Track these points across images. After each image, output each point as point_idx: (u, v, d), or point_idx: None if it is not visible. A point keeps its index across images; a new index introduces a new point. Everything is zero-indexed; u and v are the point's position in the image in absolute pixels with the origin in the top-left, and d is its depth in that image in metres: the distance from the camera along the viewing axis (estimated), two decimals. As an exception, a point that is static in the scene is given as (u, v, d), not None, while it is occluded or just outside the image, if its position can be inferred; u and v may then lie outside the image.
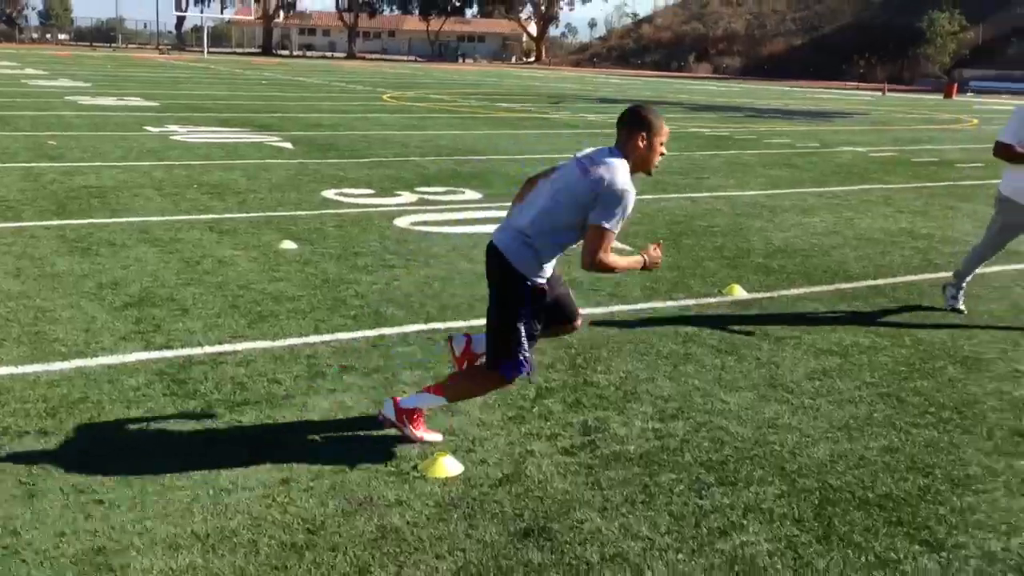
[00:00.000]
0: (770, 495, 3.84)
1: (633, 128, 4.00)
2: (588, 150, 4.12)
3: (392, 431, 4.23)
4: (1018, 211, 6.55)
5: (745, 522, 3.61)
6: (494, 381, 4.19)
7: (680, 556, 3.34)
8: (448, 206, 10.56)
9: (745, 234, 9.53)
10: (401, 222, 9.43)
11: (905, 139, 21.99)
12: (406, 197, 11.03)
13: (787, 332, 6.16)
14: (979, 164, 16.71)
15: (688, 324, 6.28)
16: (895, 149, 19.23)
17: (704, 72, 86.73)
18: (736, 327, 6.24)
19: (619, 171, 3.90)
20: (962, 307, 6.83)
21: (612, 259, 3.98)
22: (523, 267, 4.01)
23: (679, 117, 27.08)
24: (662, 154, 4.05)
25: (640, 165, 4.03)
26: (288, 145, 15.95)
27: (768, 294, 7.17)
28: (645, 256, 4.15)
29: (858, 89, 60.64)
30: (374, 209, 10.16)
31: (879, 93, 53.04)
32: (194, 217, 9.27)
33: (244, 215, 9.51)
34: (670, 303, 6.81)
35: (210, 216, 9.38)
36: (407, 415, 4.16)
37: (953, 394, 5.09)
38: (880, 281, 7.69)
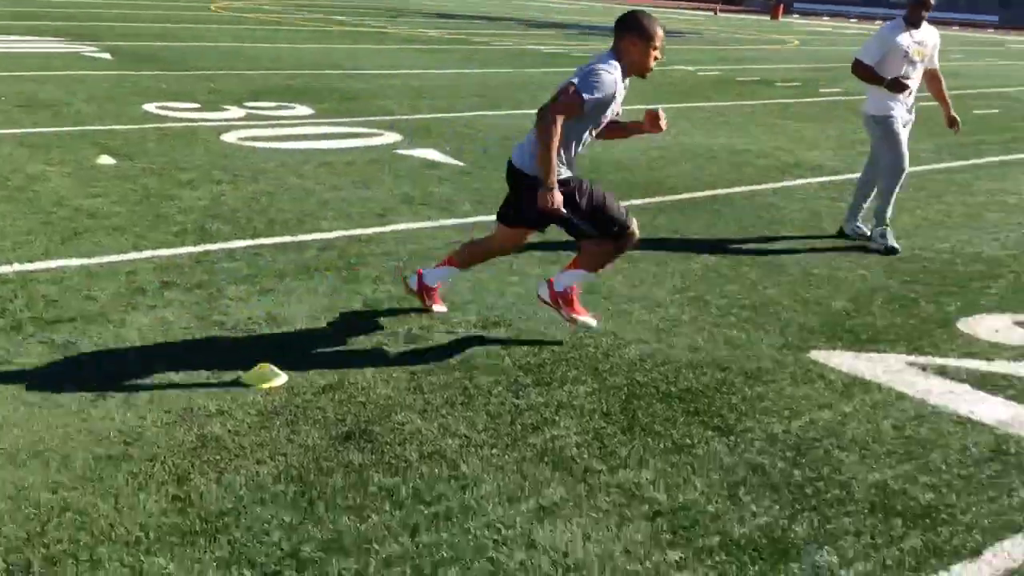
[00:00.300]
0: (582, 393, 4.08)
1: (625, 32, 4.27)
2: None
3: (226, 335, 4.23)
4: (893, 122, 6.55)
5: (557, 418, 3.84)
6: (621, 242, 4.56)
7: (494, 451, 3.54)
8: (278, 121, 10.31)
9: (575, 149, 9.76)
10: (228, 137, 9.16)
11: (731, 58, 22.79)
12: (234, 112, 10.69)
13: (608, 242, 6.43)
14: (796, 83, 17.55)
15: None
16: (720, 68, 19.93)
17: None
18: (561, 239, 6.46)
19: (602, 62, 4.23)
20: (896, 244, 6.57)
21: (555, 131, 4.12)
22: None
23: (517, 34, 27.09)
24: (656, 58, 4.31)
25: (633, 68, 4.30)
26: (106, 56, 15.07)
27: (593, 207, 7.42)
28: (550, 184, 4.22)
29: (692, 8, 61.99)
30: (199, 124, 9.81)
31: (712, 13, 54.43)
32: (2, 131, 8.72)
33: (57, 129, 9.02)
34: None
35: (20, 130, 8.85)
36: (561, 297, 4.53)
37: (753, 296, 5.49)
38: (697, 193, 8.08)
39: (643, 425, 3.83)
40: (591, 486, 3.34)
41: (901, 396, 4.24)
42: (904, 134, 6.65)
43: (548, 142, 4.13)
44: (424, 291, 4.80)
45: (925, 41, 6.63)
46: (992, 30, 49.18)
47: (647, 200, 7.74)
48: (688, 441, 3.71)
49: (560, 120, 4.12)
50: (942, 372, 4.54)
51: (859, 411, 4.07)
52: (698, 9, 61.25)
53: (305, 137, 9.45)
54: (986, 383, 4.43)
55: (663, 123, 4.45)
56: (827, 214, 7.55)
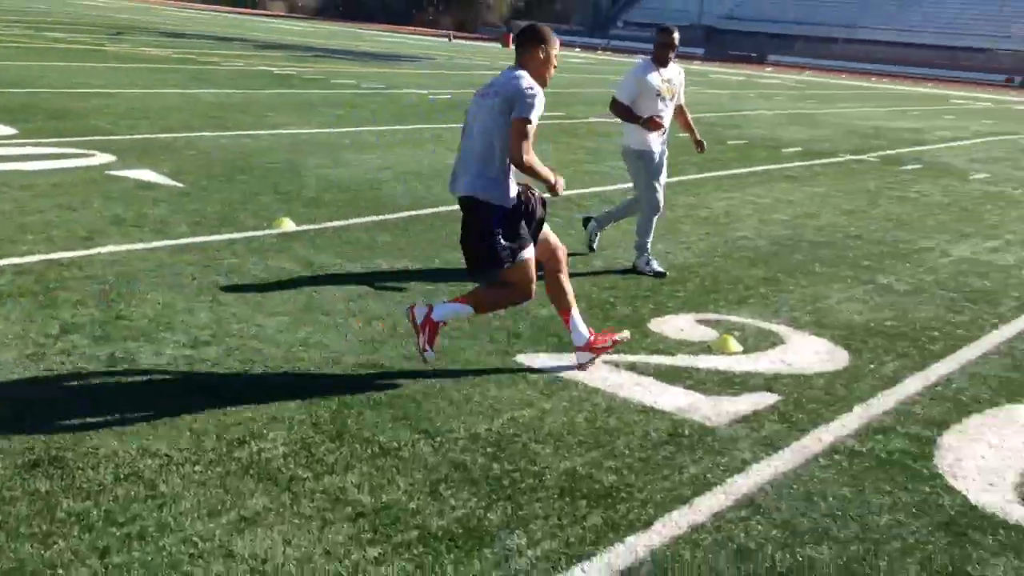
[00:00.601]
0: (292, 406, 4.11)
1: (531, 43, 4.51)
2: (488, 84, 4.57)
3: None
4: (651, 157, 6.90)
5: (266, 431, 3.85)
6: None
7: (197, 468, 3.49)
8: (-27, 141, 9.54)
9: (301, 170, 9.73)
10: (-88, 158, 8.37)
11: (464, 83, 23.48)
12: (-79, 131, 9.77)
13: (330, 260, 6.48)
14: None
15: (234, 256, 6.37)
16: (452, 92, 20.50)
17: (278, 11, 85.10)
18: (282, 257, 6.45)
19: (524, 77, 4.45)
20: (661, 268, 6.92)
21: (533, 158, 4.43)
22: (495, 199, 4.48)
23: (247, 55, 26.52)
24: (555, 66, 4.58)
25: (536, 76, 4.50)
26: None
27: (315, 226, 7.45)
28: (556, 177, 4.57)
29: (428, 35, 63.28)
30: None
31: (446, 39, 55.81)
32: None
33: None
34: (216, 237, 6.83)
35: None
36: (431, 327, 4.58)
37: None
38: (419, 212, 8.30)
39: (352, 432, 3.91)
40: (295, 494, 3.38)
41: (595, 391, 4.59)
42: (661, 167, 7.00)
43: (534, 170, 4.46)
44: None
45: (672, 80, 6.96)
46: (699, 62, 53.79)
47: (370, 218, 7.86)
48: (395, 444, 3.84)
49: (532, 154, 4.41)
50: (632, 368, 4.96)
51: (557, 407, 4.37)
52: (431, 35, 62.61)
53: (5, 159, 8.80)
54: (669, 376, 4.89)
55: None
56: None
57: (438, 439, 3.93)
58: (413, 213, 8.22)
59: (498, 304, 4.85)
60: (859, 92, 34.94)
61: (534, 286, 4.70)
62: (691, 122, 7.43)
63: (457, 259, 6.79)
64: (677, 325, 5.75)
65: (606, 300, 6.13)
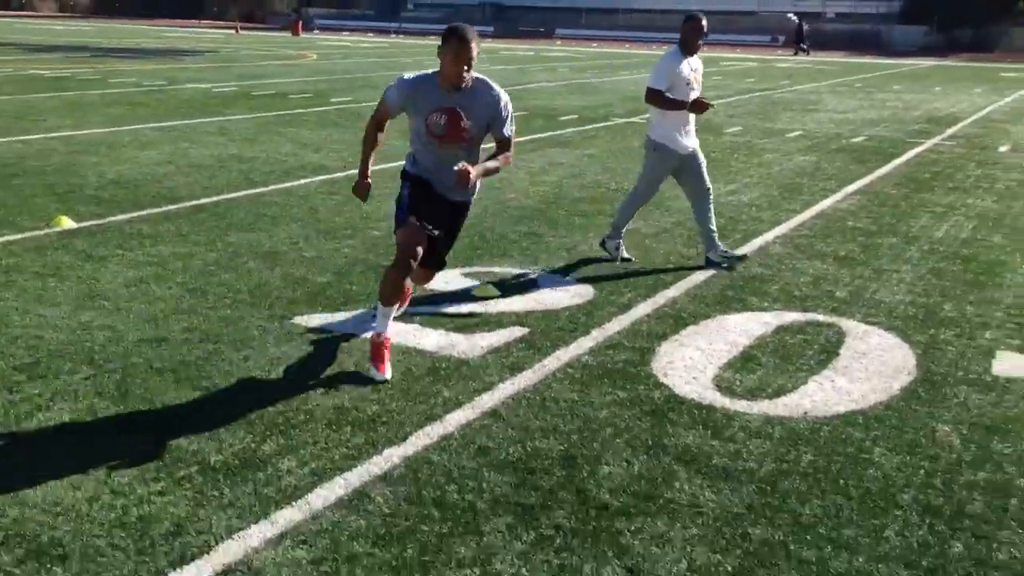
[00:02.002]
0: (77, 380, 4.44)
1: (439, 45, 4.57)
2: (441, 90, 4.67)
3: None
4: (670, 157, 6.86)
5: (52, 403, 4.17)
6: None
7: (-13, 439, 3.81)
8: None
9: (79, 170, 9.73)
10: None
11: (248, 74, 23.34)
12: None
13: (112, 252, 6.70)
14: (309, 94, 18.58)
15: (12, 256, 6.49)
16: (237, 84, 20.41)
17: (48, 11, 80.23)
18: (64, 253, 6.62)
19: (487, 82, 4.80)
20: (628, 255, 6.98)
21: (368, 125, 4.95)
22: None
23: (17, 60, 25.27)
24: (451, 63, 4.48)
25: (443, 80, 4.60)
26: None
27: (97, 222, 7.59)
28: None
29: (215, 28, 61.47)
30: None
31: (232, 31, 54.47)
32: None
33: None
34: (-8, 240, 6.91)
35: None
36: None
37: (249, 280, 6.13)
38: (204, 200, 8.56)
39: (136, 395, 4.30)
40: (84, 451, 3.76)
41: (364, 340, 5.11)
42: (697, 163, 6.87)
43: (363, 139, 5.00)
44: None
45: (698, 69, 6.90)
46: (490, 39, 54.95)
47: (153, 210, 8.06)
48: (177, 402, 4.26)
49: (373, 117, 4.85)
50: (398, 318, 5.53)
51: (328, 356, 4.89)
52: (216, 28, 60.89)
53: None
54: (431, 322, 5.50)
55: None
56: (323, 207, 8.44)
57: (217, 393, 4.37)
58: (197, 202, 8.47)
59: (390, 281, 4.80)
60: (640, 60, 36.85)
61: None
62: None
63: (245, 240, 7.16)
64: (443, 279, 6.36)
65: (380, 263, 6.67)
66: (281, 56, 32.16)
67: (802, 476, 3.79)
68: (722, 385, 4.70)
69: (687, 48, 6.82)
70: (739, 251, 7.17)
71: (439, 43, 4.52)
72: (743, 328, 5.55)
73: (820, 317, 5.79)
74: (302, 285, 6.08)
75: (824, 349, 5.25)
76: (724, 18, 62.43)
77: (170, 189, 8.99)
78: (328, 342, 5.11)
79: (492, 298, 5.97)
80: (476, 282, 6.27)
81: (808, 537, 3.34)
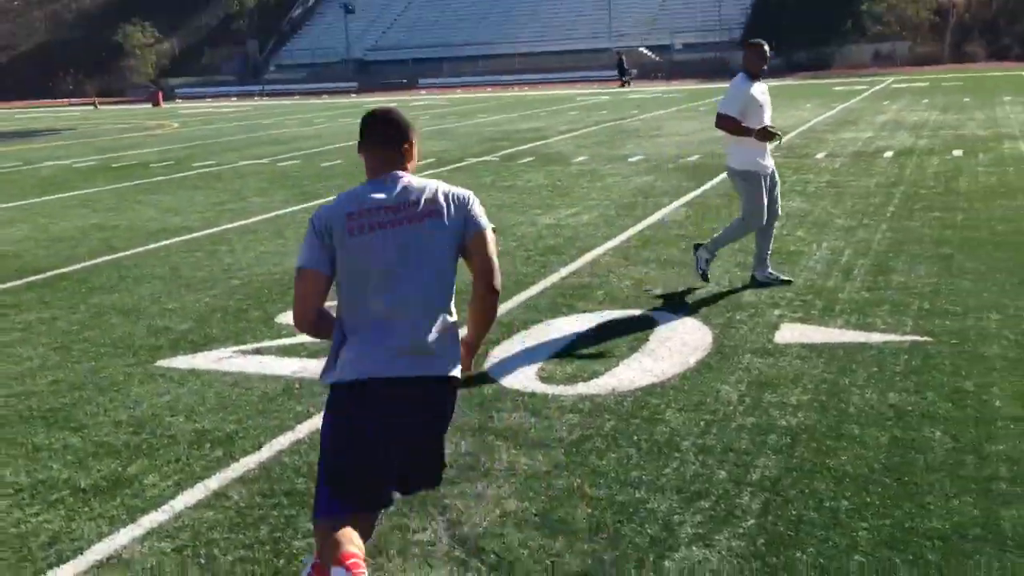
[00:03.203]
0: (-50, 434, 4.80)
1: (404, 138, 3.10)
2: (378, 197, 3.01)
3: None
4: (759, 178, 6.94)
5: (-73, 456, 4.53)
6: None
7: None
8: None
9: (-63, 253, 9.86)
10: None
11: (108, 147, 23.32)
12: None
13: (-24, 323, 6.99)
14: (171, 162, 18.80)
15: None
16: (97, 158, 20.44)
17: None
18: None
19: (443, 184, 3.12)
20: (787, 277, 7.02)
21: None
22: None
23: None
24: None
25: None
26: None
27: (-41, 298, 7.83)
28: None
29: (70, 105, 60.34)
30: None
31: (91, 107, 53.63)
32: None
33: None
34: None
35: None
36: None
37: (111, 333, 6.52)
38: (66, 269, 8.84)
39: (7, 441, 4.68)
40: (-40, 489, 4.15)
41: (225, 374, 5.61)
42: (773, 184, 7.03)
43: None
44: None
45: (766, 91, 7.04)
46: (354, 95, 55.64)
47: (15, 283, 8.31)
48: (47, 442, 4.66)
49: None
50: (258, 352, 6.03)
51: (191, 390, 5.34)
52: (73, 105, 59.80)
53: None
54: (288, 352, 6.01)
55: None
56: (184, 264, 8.84)
57: (85, 431, 4.79)
58: (59, 271, 8.75)
59: None
60: (499, 103, 38.06)
61: None
62: None
63: (107, 301, 7.52)
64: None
65: (240, 307, 7.15)
66: (142, 128, 32.04)
67: (603, 438, 4.45)
68: (543, 376, 5.35)
69: (752, 73, 6.89)
70: (654, 286, 7.91)
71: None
72: (568, 328, 6.25)
73: (636, 312, 6.54)
74: (164, 333, 6.50)
75: (636, 338, 5.98)
76: (577, 56, 64.85)
77: (31, 261, 9.24)
78: (190, 378, 5.56)
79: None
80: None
81: (601, 480, 4.00)
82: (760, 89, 6.94)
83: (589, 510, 3.74)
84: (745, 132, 6.76)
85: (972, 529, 3.43)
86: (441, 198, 3.03)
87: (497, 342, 6.00)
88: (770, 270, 7.15)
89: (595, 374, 5.34)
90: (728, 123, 6.83)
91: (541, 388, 5.15)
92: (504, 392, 5.12)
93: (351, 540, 2.83)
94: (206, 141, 24.17)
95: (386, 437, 2.91)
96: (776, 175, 7.19)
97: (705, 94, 35.97)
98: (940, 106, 22.35)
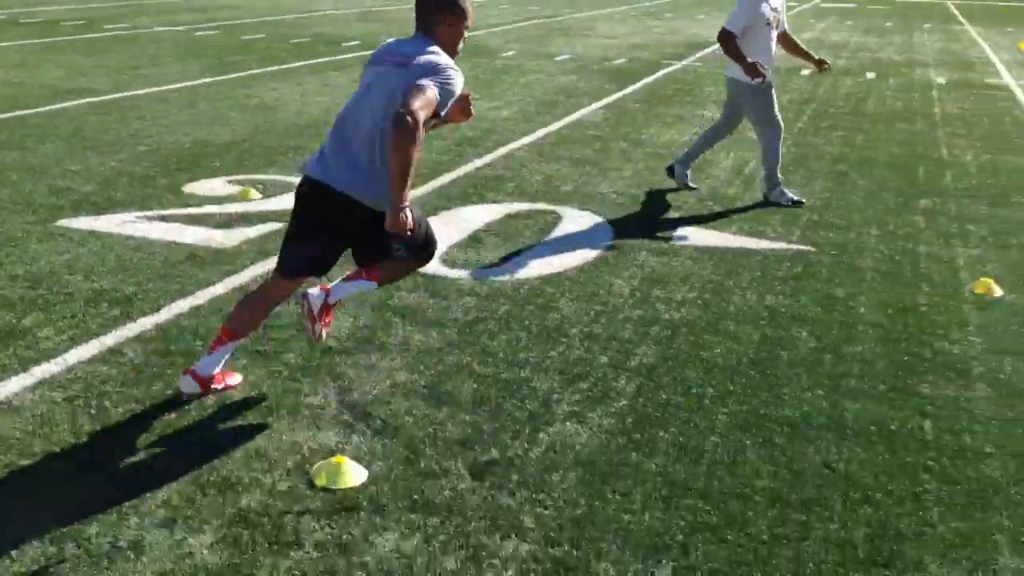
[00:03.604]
0: None
1: (442, 11, 3.58)
2: (388, 44, 3.68)
3: None
4: (770, 86, 6.81)
5: None
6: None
7: None
8: None
9: None
10: None
11: (16, 2, 22.13)
12: None
13: None
14: (81, 21, 18.00)
15: None
16: (5, 12, 19.41)
17: None
18: None
19: (442, 54, 3.54)
20: (797, 196, 6.94)
21: (418, 146, 3.34)
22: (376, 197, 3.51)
23: None
24: (464, 37, 3.70)
25: (446, 50, 3.60)
26: None
27: None
28: (406, 203, 3.43)
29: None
30: None
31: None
32: None
33: None
34: None
35: None
36: (327, 311, 3.76)
37: (12, 188, 6.41)
38: (-35, 122, 8.58)
39: (-101, 289, 4.66)
40: None
41: (128, 237, 5.60)
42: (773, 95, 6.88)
43: (412, 153, 3.34)
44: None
45: (778, 8, 6.83)
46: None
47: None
48: (-60, 291, 4.66)
49: (416, 133, 3.32)
50: (163, 219, 6.02)
51: (91, 252, 5.34)
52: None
53: None
54: (194, 220, 6.01)
55: (471, 110, 3.88)
56: (88, 126, 8.63)
57: (-19, 283, 4.79)
58: (-43, 124, 8.47)
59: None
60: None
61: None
62: (800, 45, 7.24)
63: (7, 160, 7.34)
64: (209, 186, 6.85)
65: (146, 174, 7.07)
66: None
67: (496, 321, 4.64)
68: (447, 260, 5.50)
69: None
70: (487, 157, 7.99)
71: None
72: (475, 217, 6.38)
73: (544, 206, 6.70)
74: (66, 194, 6.42)
75: (541, 230, 6.15)
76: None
77: (-72, 113, 8.91)
78: (90, 239, 5.55)
79: (253, 200, 6.52)
80: (240, 188, 6.79)
81: (489, 359, 4.20)
82: (771, 5, 6.71)
83: (475, 385, 3.95)
84: (742, 59, 6.54)
85: (818, 418, 3.74)
86: (418, 59, 3.49)
87: (404, 225, 6.10)
88: (688, 173, 7.33)
89: (496, 262, 5.51)
90: (728, 43, 6.61)
91: (443, 271, 5.30)
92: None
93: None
94: (119, 1, 23.09)
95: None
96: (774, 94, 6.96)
97: (640, -2, 35.66)
98: (863, 28, 22.65)
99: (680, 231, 6.21)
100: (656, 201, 6.94)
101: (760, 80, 6.59)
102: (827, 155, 8.62)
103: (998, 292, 5.17)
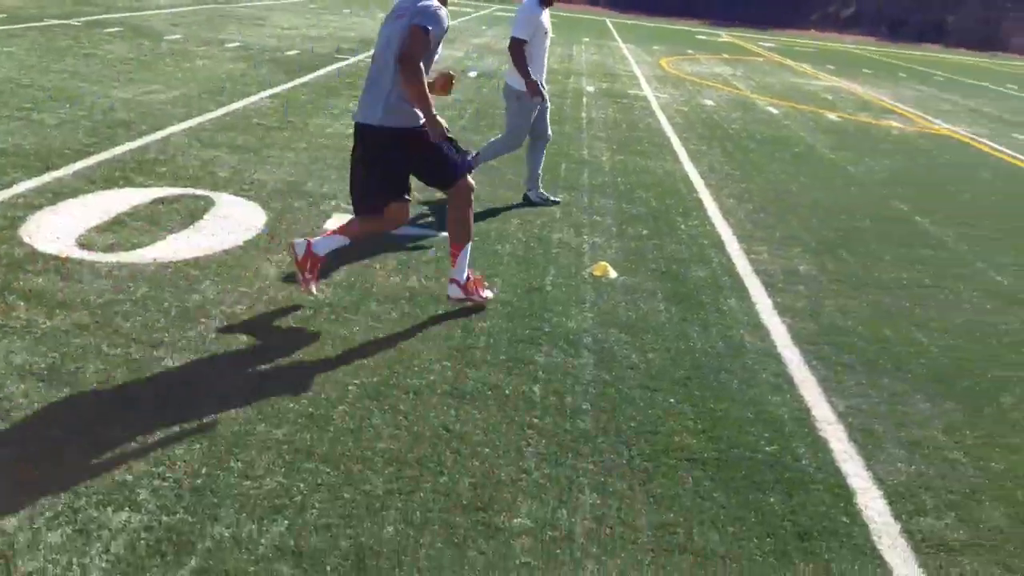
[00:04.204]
0: None
1: None
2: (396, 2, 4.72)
3: None
4: (532, 102, 7.18)
5: None
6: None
7: None
8: None
9: None
10: None
11: None
12: None
13: None
14: None
15: None
16: None
17: None
18: None
19: (433, 1, 4.59)
20: (557, 198, 7.50)
21: (422, 73, 4.46)
22: (407, 121, 4.59)
23: None
24: None
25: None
26: None
27: None
28: (440, 119, 4.56)
29: None
30: None
31: None
32: None
33: None
34: None
35: None
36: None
37: None
38: None
39: None
40: None
41: None
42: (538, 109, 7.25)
43: (420, 83, 4.43)
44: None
45: (549, 19, 7.25)
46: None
47: None
48: None
49: (421, 62, 4.45)
50: None
51: None
52: None
53: None
54: None
55: (455, 85, 4.91)
56: None
57: None
58: None
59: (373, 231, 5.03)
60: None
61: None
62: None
63: None
64: None
65: None
66: None
67: (133, 303, 4.54)
68: (84, 243, 5.26)
69: (545, 1, 7.16)
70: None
71: None
72: (120, 200, 6.14)
73: (196, 191, 6.58)
74: None
75: (191, 215, 6.03)
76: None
77: None
78: None
79: None
80: None
81: (120, 340, 4.11)
82: (547, 16, 7.24)
83: (101, 366, 3.85)
84: (526, 75, 6.99)
85: (442, 386, 4.05)
86: (413, 7, 4.55)
87: (40, 207, 5.76)
88: (541, 189, 7.52)
89: (139, 245, 5.35)
90: (519, 54, 7.02)
91: (78, 254, 5.07)
92: (37, 256, 4.97)
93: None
94: None
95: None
96: (548, 100, 7.46)
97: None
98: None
99: (334, 218, 6.35)
100: (311, 189, 7.04)
101: (538, 99, 7.10)
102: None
103: (613, 274, 5.81)
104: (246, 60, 13.58)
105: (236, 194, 6.63)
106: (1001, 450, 4.09)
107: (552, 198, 7.55)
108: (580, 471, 3.51)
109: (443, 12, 4.59)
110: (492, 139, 7.71)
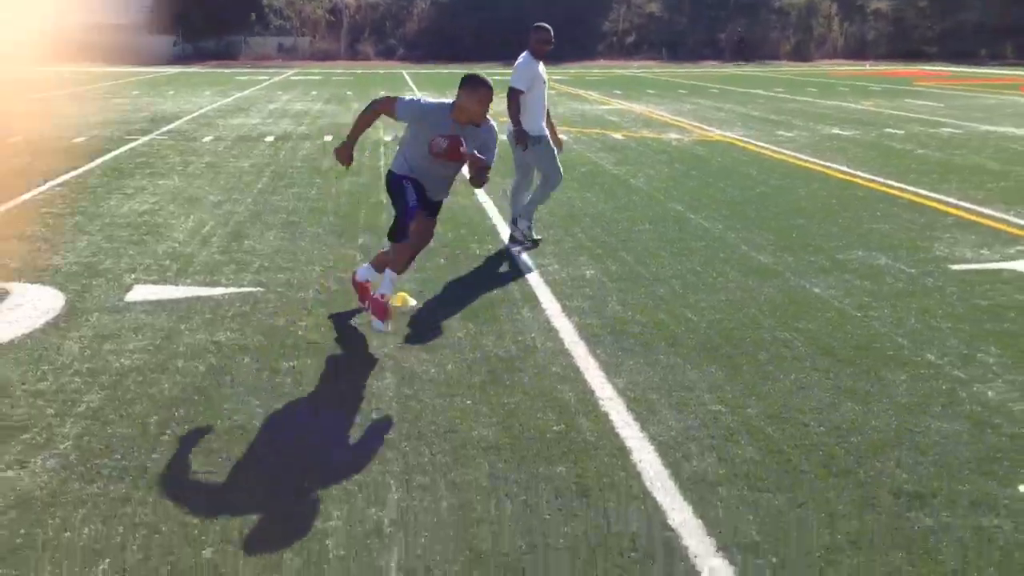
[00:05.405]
0: None
1: (459, 88, 5.52)
2: None
3: None
4: (546, 139, 7.84)
5: None
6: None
7: None
8: None
9: None
10: None
11: None
12: None
13: None
14: None
15: None
16: None
17: None
18: None
19: (442, 102, 5.65)
20: (538, 236, 7.96)
21: (371, 110, 5.64)
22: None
23: None
24: (466, 109, 5.48)
25: (462, 115, 5.51)
26: None
27: None
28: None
29: None
30: None
31: None
32: None
33: None
34: None
35: None
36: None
37: None
38: None
39: None
40: None
41: None
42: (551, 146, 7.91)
43: (361, 117, 5.70)
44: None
45: (545, 71, 7.87)
46: None
47: None
48: None
49: (376, 107, 5.61)
50: None
51: None
52: None
53: None
54: None
55: (484, 177, 5.54)
56: None
57: None
58: None
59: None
60: None
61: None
62: (551, 119, 8.16)
63: None
64: None
65: None
66: None
67: (-68, 396, 4.56)
68: None
69: (538, 54, 7.75)
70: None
71: (460, 86, 5.49)
72: (-93, 303, 6.04)
73: (-11, 284, 6.54)
74: None
75: (-15, 307, 6.02)
76: None
77: None
78: None
79: None
80: None
81: (-78, 432, 4.14)
82: (542, 68, 7.85)
83: (-95, 458, 3.89)
84: (516, 123, 7.64)
85: (252, 423, 4.31)
86: (484, 127, 5.67)
87: None
88: (531, 227, 7.93)
89: (-69, 342, 5.32)
90: (515, 103, 7.62)
91: None
92: None
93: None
94: None
95: (427, 205, 5.79)
96: (551, 142, 8.00)
97: (105, 77, 34.62)
98: (324, 98, 24.43)
99: (136, 290, 6.46)
100: (111, 265, 7.10)
101: (522, 148, 7.74)
102: (281, 209, 9.39)
103: (412, 302, 6.19)
104: (30, 153, 13.28)
105: (31, 281, 6.63)
106: (756, 398, 4.70)
107: (535, 236, 7.98)
108: (387, 473, 3.85)
109: (424, 102, 5.64)
110: (534, 192, 8.10)
